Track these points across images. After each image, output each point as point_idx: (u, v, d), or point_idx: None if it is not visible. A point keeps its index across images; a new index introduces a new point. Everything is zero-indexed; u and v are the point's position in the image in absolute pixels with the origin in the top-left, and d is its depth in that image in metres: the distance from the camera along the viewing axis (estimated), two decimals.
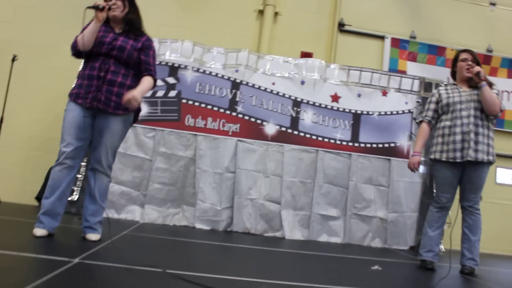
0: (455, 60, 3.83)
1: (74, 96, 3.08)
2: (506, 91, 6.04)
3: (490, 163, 3.58)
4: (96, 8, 2.98)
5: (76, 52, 3.09)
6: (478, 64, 3.69)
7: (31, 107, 5.33)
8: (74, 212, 4.49)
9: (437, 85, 5.23)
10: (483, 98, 3.52)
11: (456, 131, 3.60)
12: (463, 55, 3.74)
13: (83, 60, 3.18)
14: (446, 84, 3.92)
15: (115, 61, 3.09)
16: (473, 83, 3.65)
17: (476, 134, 3.54)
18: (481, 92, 3.53)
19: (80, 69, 3.21)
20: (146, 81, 3.20)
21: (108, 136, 3.12)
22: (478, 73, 3.54)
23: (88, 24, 3.08)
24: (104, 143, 3.12)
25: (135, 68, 3.20)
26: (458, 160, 3.56)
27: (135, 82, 3.18)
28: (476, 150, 3.50)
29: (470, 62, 3.67)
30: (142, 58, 3.20)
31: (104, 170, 3.16)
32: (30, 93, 5.35)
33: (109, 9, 3.08)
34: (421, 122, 3.93)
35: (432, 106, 3.86)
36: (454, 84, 3.82)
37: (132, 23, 3.22)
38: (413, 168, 3.80)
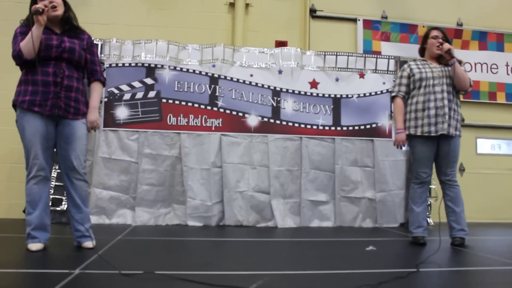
0: (426, 37, 3.92)
1: (28, 104, 2.96)
2: (479, 63, 6.14)
3: (459, 137, 3.79)
4: (36, 12, 2.83)
5: (23, 61, 2.97)
6: (447, 41, 3.81)
7: (4, 119, 5.18)
8: (65, 222, 4.45)
9: None
10: (456, 75, 3.63)
11: (430, 106, 3.70)
12: (434, 33, 3.84)
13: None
14: (415, 60, 4.00)
15: (66, 65, 3.05)
16: (443, 60, 3.78)
17: (449, 109, 3.67)
18: (453, 69, 3.64)
19: (23, 75, 3.06)
20: (97, 91, 3.29)
21: (76, 142, 3.10)
22: (449, 51, 3.66)
23: (22, 32, 2.99)
24: (73, 150, 3.09)
25: (83, 70, 3.25)
26: (432, 134, 3.69)
27: (83, 85, 3.23)
28: (449, 125, 3.64)
29: (440, 40, 3.77)
30: (88, 57, 3.23)
31: (81, 176, 3.14)
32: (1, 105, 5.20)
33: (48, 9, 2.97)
34: (394, 97, 3.97)
35: (405, 81, 3.91)
36: (424, 60, 3.91)
37: (70, 21, 3.17)
38: (400, 146, 3.93)
